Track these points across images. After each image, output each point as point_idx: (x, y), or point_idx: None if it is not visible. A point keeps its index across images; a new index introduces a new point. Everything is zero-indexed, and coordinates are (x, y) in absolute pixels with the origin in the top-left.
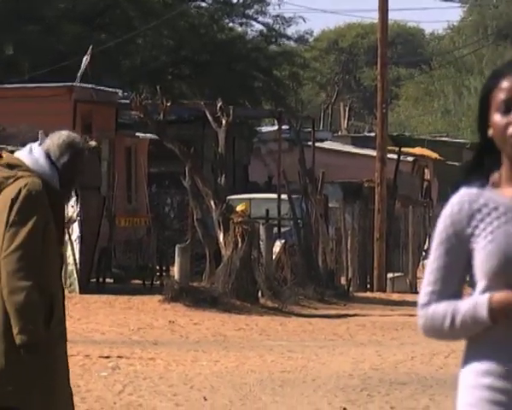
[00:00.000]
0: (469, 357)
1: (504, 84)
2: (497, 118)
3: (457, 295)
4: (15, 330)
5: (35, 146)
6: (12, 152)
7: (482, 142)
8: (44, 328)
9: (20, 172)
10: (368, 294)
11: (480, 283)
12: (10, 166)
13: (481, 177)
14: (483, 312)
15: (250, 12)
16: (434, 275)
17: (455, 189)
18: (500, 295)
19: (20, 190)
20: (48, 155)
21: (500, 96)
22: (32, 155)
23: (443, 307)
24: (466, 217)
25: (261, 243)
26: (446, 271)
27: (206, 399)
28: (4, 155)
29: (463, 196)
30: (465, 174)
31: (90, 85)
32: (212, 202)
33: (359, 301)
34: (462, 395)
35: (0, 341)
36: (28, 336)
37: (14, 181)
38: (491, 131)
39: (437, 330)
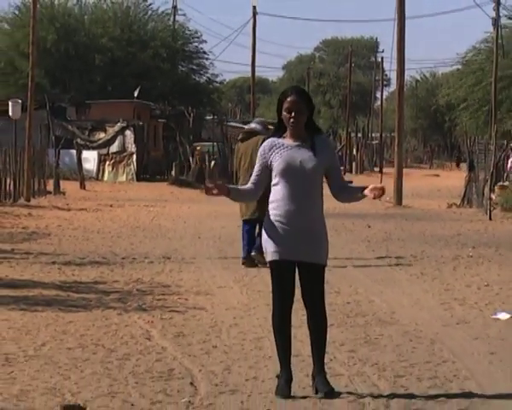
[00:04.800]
0: (273, 212)
1: (287, 99)
2: (285, 113)
3: (259, 184)
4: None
5: (254, 124)
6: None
7: (279, 120)
8: None
9: (255, 133)
10: None
11: (275, 178)
12: (250, 132)
13: (278, 134)
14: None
15: (201, 72)
16: (254, 173)
17: (267, 138)
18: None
19: (263, 140)
20: (260, 126)
21: (285, 105)
22: (256, 126)
23: (246, 185)
24: (268, 148)
25: (206, 162)
26: (257, 172)
27: (185, 222)
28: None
29: (269, 140)
30: (272, 132)
31: (139, 101)
32: (187, 146)
33: None
34: (267, 228)
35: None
36: None
37: (253, 137)
38: (282, 117)
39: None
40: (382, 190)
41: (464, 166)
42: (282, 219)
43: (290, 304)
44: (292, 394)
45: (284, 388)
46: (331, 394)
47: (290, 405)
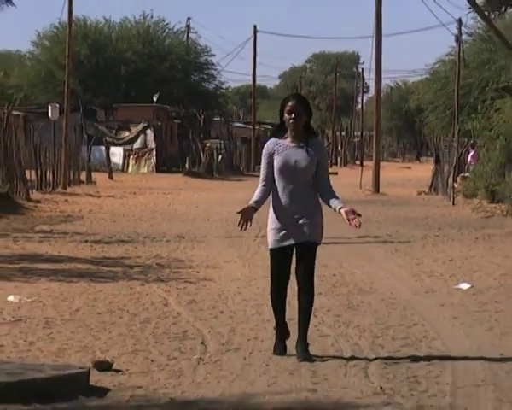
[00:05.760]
0: (273, 206)
1: (288, 104)
2: (286, 115)
3: (269, 180)
4: None
5: None
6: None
7: (280, 122)
8: None
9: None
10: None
11: (275, 175)
12: None
13: (279, 135)
14: (250, 201)
15: (210, 80)
16: (262, 173)
17: (269, 138)
18: (244, 207)
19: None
20: None
21: (287, 108)
22: None
23: (258, 188)
24: (272, 147)
25: (214, 157)
26: (265, 170)
27: (196, 207)
28: None
29: (272, 140)
30: (273, 133)
31: (158, 104)
32: (198, 143)
33: (247, 175)
34: (270, 221)
35: None
36: None
37: None
38: (284, 119)
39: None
40: (358, 217)
41: (424, 159)
42: (281, 209)
43: (286, 283)
44: (287, 352)
45: (281, 347)
46: (308, 360)
47: (285, 361)
